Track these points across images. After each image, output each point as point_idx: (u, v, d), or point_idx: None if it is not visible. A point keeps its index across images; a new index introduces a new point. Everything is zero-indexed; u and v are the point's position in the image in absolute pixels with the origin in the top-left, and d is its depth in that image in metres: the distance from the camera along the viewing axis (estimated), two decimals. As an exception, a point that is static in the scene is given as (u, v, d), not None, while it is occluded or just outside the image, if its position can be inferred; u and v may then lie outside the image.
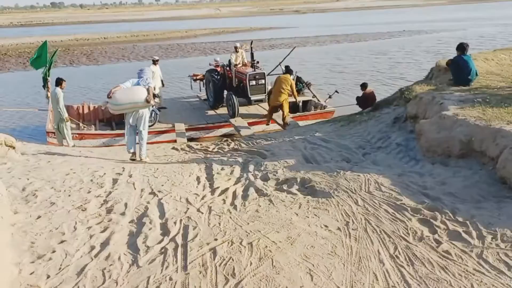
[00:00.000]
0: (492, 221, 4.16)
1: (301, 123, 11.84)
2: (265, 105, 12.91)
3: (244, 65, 13.82)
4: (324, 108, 13.41)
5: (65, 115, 10.47)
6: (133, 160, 7.66)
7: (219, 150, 8.80)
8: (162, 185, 5.94)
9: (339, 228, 4.39)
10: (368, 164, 6.36)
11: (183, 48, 38.22)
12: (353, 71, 23.22)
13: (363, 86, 12.39)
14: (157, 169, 6.87)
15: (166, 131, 12.22)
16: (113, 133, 12.19)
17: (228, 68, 13.67)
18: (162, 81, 14.36)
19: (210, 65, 14.64)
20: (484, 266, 3.55)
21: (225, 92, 13.62)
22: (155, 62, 14.02)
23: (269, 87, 13.07)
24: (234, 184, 6.09)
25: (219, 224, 4.57)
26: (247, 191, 5.70)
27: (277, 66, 15.53)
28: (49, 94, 12.28)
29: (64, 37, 49.08)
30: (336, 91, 14.23)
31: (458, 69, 7.87)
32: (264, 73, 12.80)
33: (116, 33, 52.80)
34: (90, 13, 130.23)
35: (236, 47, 14.01)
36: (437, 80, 9.24)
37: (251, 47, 13.11)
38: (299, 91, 14.42)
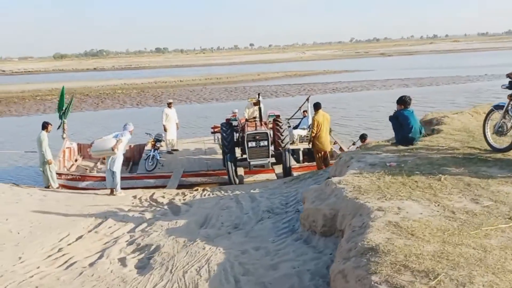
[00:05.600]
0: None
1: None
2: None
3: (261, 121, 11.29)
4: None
5: (48, 157, 10.77)
6: (112, 194, 9.26)
7: (153, 203, 8.30)
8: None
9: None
10: (238, 235, 5.49)
11: (247, 90, 38.77)
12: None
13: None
14: (38, 220, 6.60)
15: (162, 176, 11.70)
16: (94, 176, 11.90)
17: (236, 124, 11.62)
18: (177, 124, 14.22)
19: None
20: None
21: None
22: (169, 104, 14.11)
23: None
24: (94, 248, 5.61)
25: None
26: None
27: (296, 112, 15.02)
28: (64, 136, 12.95)
29: (146, 79, 52.49)
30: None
31: (398, 126, 6.69)
32: (266, 133, 10.39)
33: (193, 76, 55.39)
34: (186, 57, 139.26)
35: (258, 101, 11.27)
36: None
37: (259, 100, 11.06)
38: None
